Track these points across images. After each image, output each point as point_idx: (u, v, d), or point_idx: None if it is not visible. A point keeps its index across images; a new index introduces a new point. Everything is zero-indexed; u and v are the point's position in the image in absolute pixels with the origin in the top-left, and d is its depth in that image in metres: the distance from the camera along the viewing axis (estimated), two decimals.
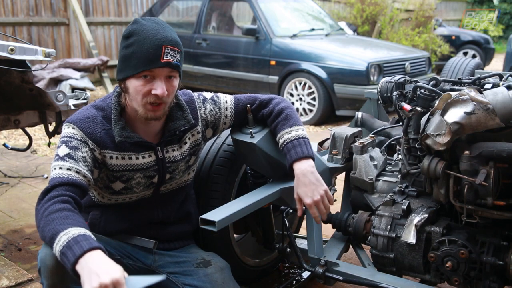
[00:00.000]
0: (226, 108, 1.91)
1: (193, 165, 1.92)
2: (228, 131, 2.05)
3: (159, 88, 1.61)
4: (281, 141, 1.85)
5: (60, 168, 1.58)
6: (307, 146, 1.82)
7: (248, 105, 1.90)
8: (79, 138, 1.64)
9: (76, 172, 1.58)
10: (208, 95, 1.92)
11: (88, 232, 1.41)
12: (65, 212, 1.46)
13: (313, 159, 1.81)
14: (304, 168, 1.77)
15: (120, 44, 1.68)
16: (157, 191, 1.83)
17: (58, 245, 1.38)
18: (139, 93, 1.62)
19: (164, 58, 1.60)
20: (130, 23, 1.67)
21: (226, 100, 1.92)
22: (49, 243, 1.42)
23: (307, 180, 1.76)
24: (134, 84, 1.63)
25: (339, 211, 2.24)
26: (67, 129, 1.67)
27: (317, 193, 1.75)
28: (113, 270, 1.31)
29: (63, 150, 1.62)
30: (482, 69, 5.16)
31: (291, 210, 2.26)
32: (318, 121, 6.43)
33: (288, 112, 1.88)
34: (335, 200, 2.40)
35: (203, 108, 1.88)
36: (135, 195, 1.78)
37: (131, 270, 1.79)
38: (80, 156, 1.62)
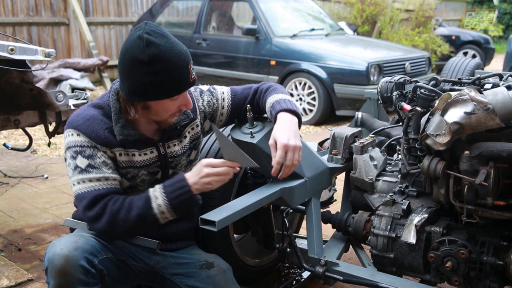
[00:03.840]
0: (223, 99, 1.94)
1: (195, 160, 1.94)
2: (228, 131, 2.06)
3: (188, 104, 1.69)
4: (268, 106, 1.87)
5: (90, 180, 1.64)
6: (294, 105, 1.83)
7: (248, 105, 1.91)
8: (89, 145, 1.65)
9: (106, 179, 1.66)
10: (204, 87, 1.95)
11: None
12: (126, 196, 1.68)
13: (300, 119, 1.82)
14: (287, 117, 1.78)
15: (139, 66, 1.56)
16: None
17: (159, 200, 1.65)
18: (169, 111, 1.68)
19: (192, 77, 1.65)
20: (144, 45, 1.54)
21: (223, 91, 1.95)
22: (148, 208, 1.64)
23: (289, 125, 1.75)
24: (162, 106, 1.65)
25: (339, 211, 2.24)
26: (73, 137, 1.66)
27: (293, 140, 1.72)
28: (200, 164, 1.67)
29: (82, 162, 1.64)
30: (482, 69, 5.16)
31: (291, 210, 2.26)
32: (318, 121, 6.43)
33: (276, 87, 1.93)
34: (335, 200, 2.41)
35: (201, 100, 1.90)
36: (139, 193, 1.78)
37: (135, 271, 1.80)
38: (100, 162, 1.66)
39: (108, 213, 1.63)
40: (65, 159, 1.71)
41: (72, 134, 1.67)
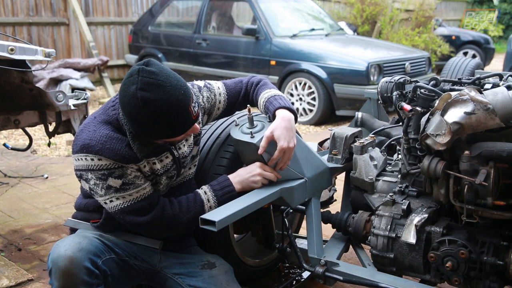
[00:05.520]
0: (220, 94, 1.97)
1: (196, 156, 1.97)
2: (228, 131, 2.06)
3: (195, 130, 1.72)
4: (262, 100, 1.91)
5: (130, 195, 1.67)
6: (289, 102, 1.89)
7: (248, 105, 1.92)
8: (115, 166, 1.64)
9: (144, 189, 1.69)
10: (200, 83, 1.96)
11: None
12: (177, 198, 1.79)
13: (296, 117, 1.88)
14: (288, 116, 1.82)
15: (139, 122, 1.58)
16: (169, 186, 1.87)
17: (210, 202, 1.78)
18: (177, 140, 1.71)
19: (194, 115, 1.66)
20: (140, 106, 1.52)
21: (218, 86, 1.99)
22: (202, 209, 1.76)
23: (290, 126, 1.81)
24: (170, 139, 1.68)
25: (339, 211, 2.24)
26: (95, 162, 1.63)
27: (292, 142, 1.80)
28: (248, 167, 1.85)
29: (115, 182, 1.65)
30: (482, 69, 5.16)
31: (291, 210, 2.26)
32: (318, 121, 6.43)
33: (266, 81, 2.00)
34: (335, 200, 2.41)
35: (201, 97, 1.92)
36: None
37: (137, 271, 1.80)
38: (132, 178, 1.67)
39: (168, 216, 1.71)
40: (82, 177, 1.69)
41: (93, 159, 1.63)
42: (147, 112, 1.54)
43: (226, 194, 1.80)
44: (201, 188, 1.83)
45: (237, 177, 1.84)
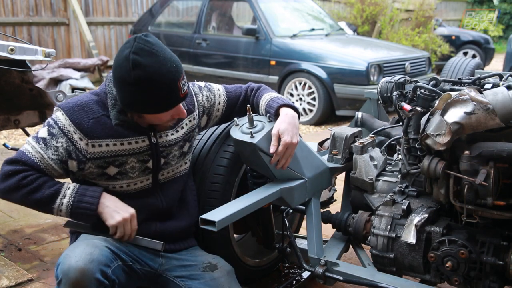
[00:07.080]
0: (220, 95, 2.01)
1: (188, 154, 1.95)
2: (228, 131, 2.06)
3: (181, 114, 1.74)
4: (263, 102, 1.95)
5: (32, 147, 1.68)
6: (291, 103, 1.92)
7: (248, 105, 1.92)
8: (61, 127, 1.68)
9: (42, 158, 1.67)
10: (201, 83, 2.01)
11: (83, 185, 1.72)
12: (45, 178, 1.68)
13: (299, 115, 1.91)
14: (291, 113, 1.87)
15: (126, 86, 1.60)
16: (156, 179, 1.84)
17: (65, 198, 1.66)
18: (162, 120, 1.73)
19: (182, 92, 1.67)
20: (130, 68, 1.56)
21: (218, 88, 2.03)
22: (51, 199, 1.65)
23: (293, 122, 1.86)
24: (155, 116, 1.70)
25: (339, 211, 2.24)
26: (57, 113, 1.71)
27: (296, 138, 1.85)
28: (128, 207, 1.70)
29: (43, 133, 1.69)
30: (482, 69, 5.16)
31: (291, 210, 2.26)
32: (318, 121, 6.43)
33: (266, 86, 2.05)
34: (335, 200, 2.41)
35: (201, 95, 1.96)
36: (132, 181, 1.79)
37: (139, 274, 1.79)
38: (53, 145, 1.68)
39: (15, 181, 1.65)
40: None
41: (57, 111, 1.71)
42: (136, 76, 1.57)
43: (85, 203, 1.66)
44: (71, 183, 1.74)
45: (108, 201, 1.70)
